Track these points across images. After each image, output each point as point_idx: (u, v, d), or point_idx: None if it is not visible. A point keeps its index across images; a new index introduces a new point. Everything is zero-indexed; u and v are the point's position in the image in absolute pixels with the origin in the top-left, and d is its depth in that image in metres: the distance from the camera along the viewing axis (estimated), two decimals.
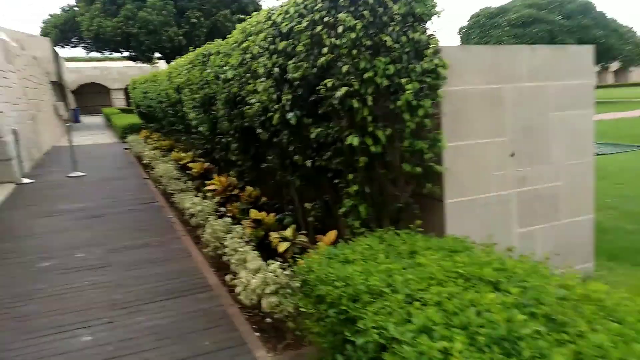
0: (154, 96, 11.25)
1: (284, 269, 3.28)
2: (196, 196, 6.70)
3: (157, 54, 28.43)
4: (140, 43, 24.53)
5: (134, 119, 19.82)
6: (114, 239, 5.84)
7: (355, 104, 2.96)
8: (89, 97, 42.27)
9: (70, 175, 10.58)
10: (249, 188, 5.62)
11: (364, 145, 3.06)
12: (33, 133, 14.14)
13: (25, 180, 9.97)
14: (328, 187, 4.08)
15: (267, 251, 4.41)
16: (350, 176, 3.29)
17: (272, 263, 3.37)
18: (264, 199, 5.45)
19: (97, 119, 34.61)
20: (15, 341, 3.42)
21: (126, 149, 15.71)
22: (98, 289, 4.30)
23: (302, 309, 2.47)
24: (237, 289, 3.52)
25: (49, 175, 10.79)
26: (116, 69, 41.59)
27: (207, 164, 7.54)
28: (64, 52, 35.79)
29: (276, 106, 3.76)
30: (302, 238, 4.34)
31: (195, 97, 6.73)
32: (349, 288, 2.09)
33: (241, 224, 5.31)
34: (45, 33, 31.37)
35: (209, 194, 6.41)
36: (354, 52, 2.92)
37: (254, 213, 4.71)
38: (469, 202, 3.46)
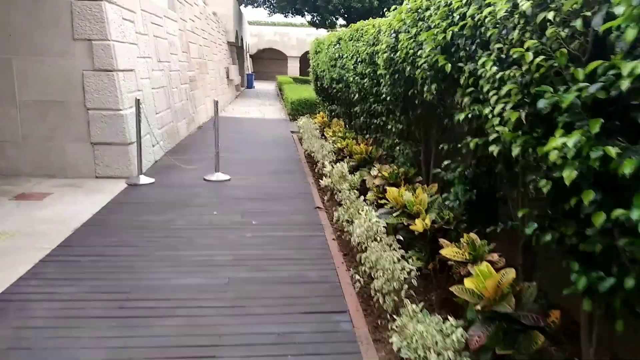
0: (351, 64, 6.73)
1: None
2: None
3: (340, 21, 24.62)
4: (327, 2, 20.67)
5: (308, 92, 15.88)
6: None
7: None
8: (266, 63, 40.99)
9: (208, 178, 6.77)
10: None
11: None
12: (186, 100, 10.97)
13: (143, 180, 6.37)
14: None
15: None
16: None
17: None
18: None
19: (271, 86, 32.45)
20: None
21: (293, 132, 11.86)
22: None
23: None
24: None
25: (180, 173, 7.08)
26: (295, 36, 39.39)
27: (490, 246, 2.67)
28: (247, 12, 34.37)
29: None
30: None
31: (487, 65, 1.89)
32: None
33: None
34: None
35: None
36: None
37: None
38: None
